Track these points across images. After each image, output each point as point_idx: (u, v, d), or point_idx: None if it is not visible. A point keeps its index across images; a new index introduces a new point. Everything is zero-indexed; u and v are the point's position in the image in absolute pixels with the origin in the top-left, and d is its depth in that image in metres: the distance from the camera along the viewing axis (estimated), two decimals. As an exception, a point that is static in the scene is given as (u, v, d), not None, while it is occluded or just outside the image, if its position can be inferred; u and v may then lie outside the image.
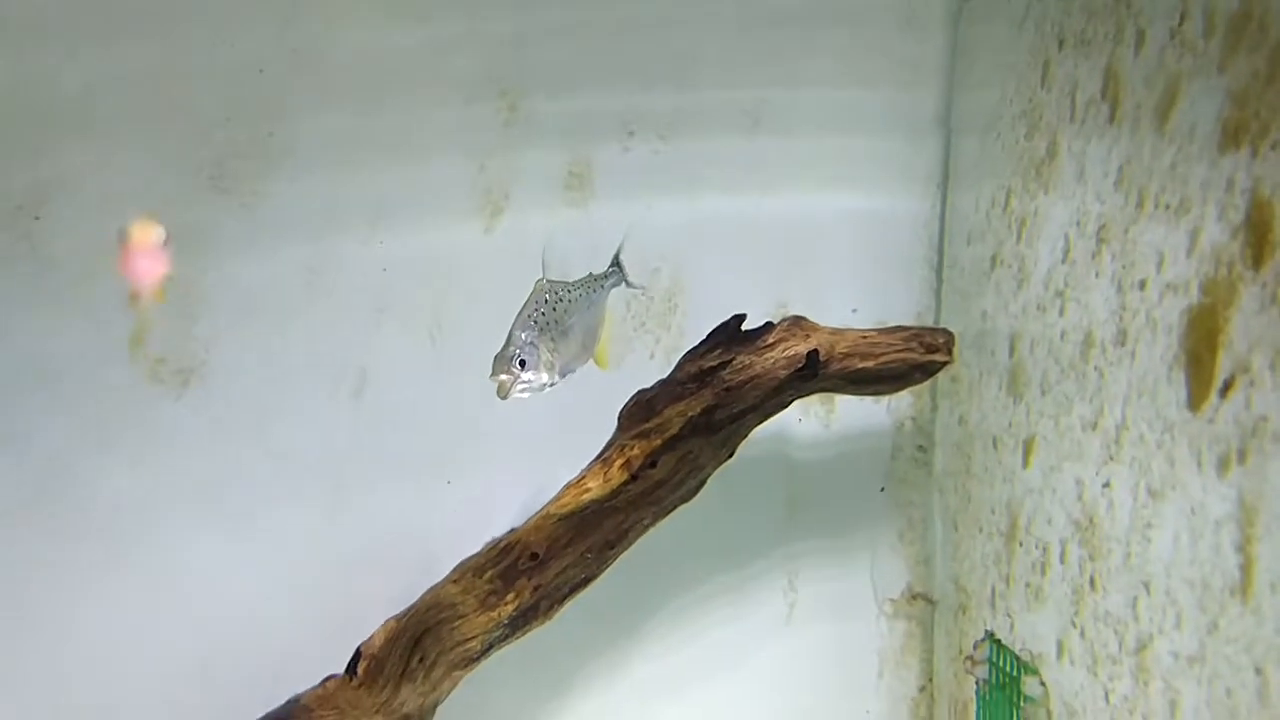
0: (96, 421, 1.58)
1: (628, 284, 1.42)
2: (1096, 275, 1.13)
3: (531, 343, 1.21)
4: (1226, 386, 0.89)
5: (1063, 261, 1.22)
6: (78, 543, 1.58)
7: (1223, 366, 0.89)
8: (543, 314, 1.26)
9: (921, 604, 1.74)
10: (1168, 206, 0.98)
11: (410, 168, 1.67)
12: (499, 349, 1.22)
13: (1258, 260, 0.85)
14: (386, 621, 1.47)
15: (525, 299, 1.27)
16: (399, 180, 1.66)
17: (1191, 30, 0.96)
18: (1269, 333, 0.83)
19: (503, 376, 1.20)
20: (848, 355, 1.55)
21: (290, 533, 1.64)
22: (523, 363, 1.21)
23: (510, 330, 1.23)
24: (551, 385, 1.25)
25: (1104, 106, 1.13)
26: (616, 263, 1.42)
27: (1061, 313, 1.22)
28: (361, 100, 1.64)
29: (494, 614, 1.47)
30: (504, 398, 1.21)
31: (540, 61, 1.68)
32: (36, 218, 1.55)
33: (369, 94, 1.64)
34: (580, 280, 1.36)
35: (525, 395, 1.22)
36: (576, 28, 1.68)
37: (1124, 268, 1.07)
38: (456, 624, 1.46)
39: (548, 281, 1.29)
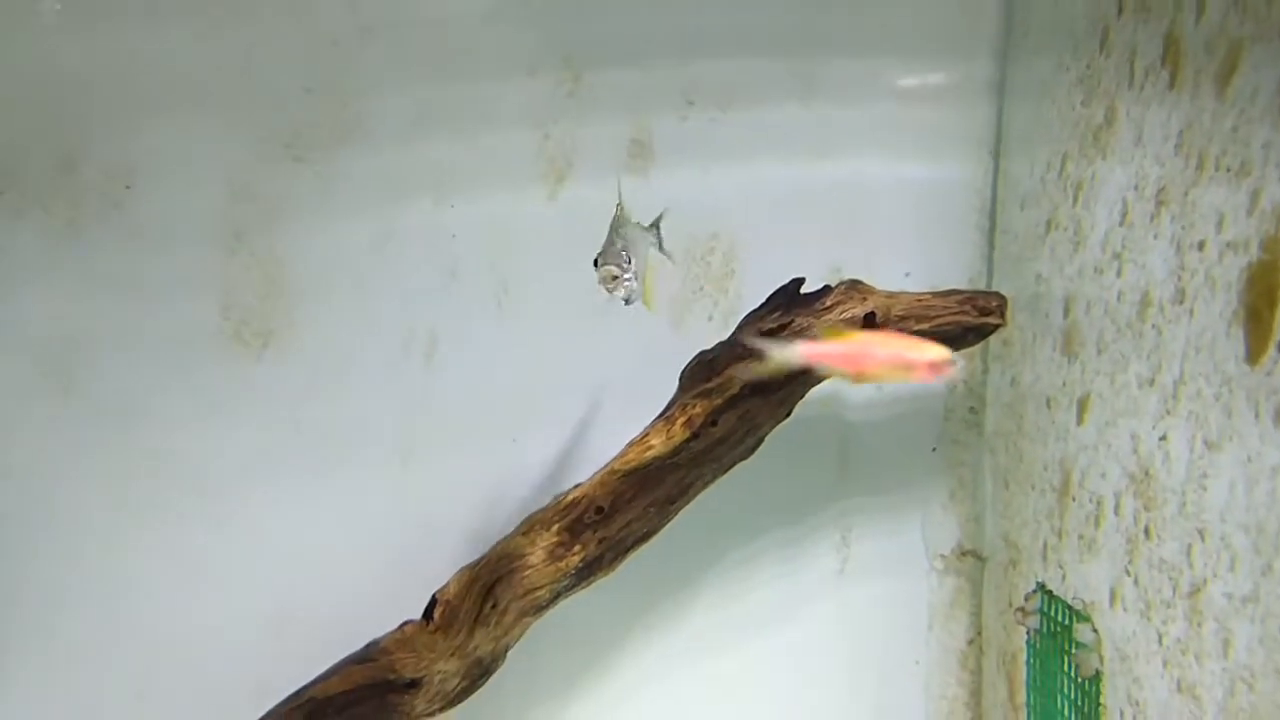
0: (182, 382, 1.66)
1: (660, 249, 1.49)
2: (1155, 237, 1.17)
3: (627, 251, 1.34)
4: (1285, 341, 0.93)
5: (1120, 224, 1.26)
6: (162, 496, 1.66)
7: (1281, 321, 0.93)
8: (626, 236, 1.37)
9: (971, 560, 1.79)
10: (1228, 169, 1.02)
11: (476, 137, 1.72)
12: (601, 251, 1.33)
13: (1319, 218, 0.89)
14: (460, 570, 1.54)
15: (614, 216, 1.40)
16: (466, 149, 1.72)
17: (1255, -5, 0.99)
18: (1328, 287, 0.87)
19: (613, 268, 1.31)
20: (903, 318, 1.59)
21: (365, 488, 1.71)
22: (629, 261, 1.33)
23: (605, 242, 1.36)
24: (629, 300, 1.35)
25: (1164, 73, 1.16)
26: (656, 226, 1.48)
27: (1119, 274, 1.26)
28: (430, 72, 1.69)
29: (561, 565, 1.54)
30: (612, 289, 1.32)
31: (602, 33, 1.73)
32: (128, 186, 1.62)
33: (437, 66, 1.69)
34: (636, 223, 1.44)
35: (623, 293, 1.33)
36: (637, 0, 1.72)
37: (1183, 229, 1.11)
38: (526, 573, 1.53)
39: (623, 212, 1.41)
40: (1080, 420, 1.36)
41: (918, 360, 1.04)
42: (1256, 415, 0.96)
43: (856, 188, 1.79)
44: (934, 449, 1.82)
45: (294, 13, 1.64)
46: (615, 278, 1.32)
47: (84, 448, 1.63)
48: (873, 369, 1.07)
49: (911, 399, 1.81)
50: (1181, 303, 1.10)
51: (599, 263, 1.32)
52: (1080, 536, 1.35)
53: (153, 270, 1.64)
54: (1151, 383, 1.17)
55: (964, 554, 1.79)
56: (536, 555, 1.54)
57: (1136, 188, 1.22)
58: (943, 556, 1.80)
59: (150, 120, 1.61)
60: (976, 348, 1.72)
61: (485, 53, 1.71)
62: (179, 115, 1.63)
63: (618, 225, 1.37)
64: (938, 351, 1.02)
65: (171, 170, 1.63)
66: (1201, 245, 1.07)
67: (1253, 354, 0.98)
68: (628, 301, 1.35)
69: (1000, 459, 1.69)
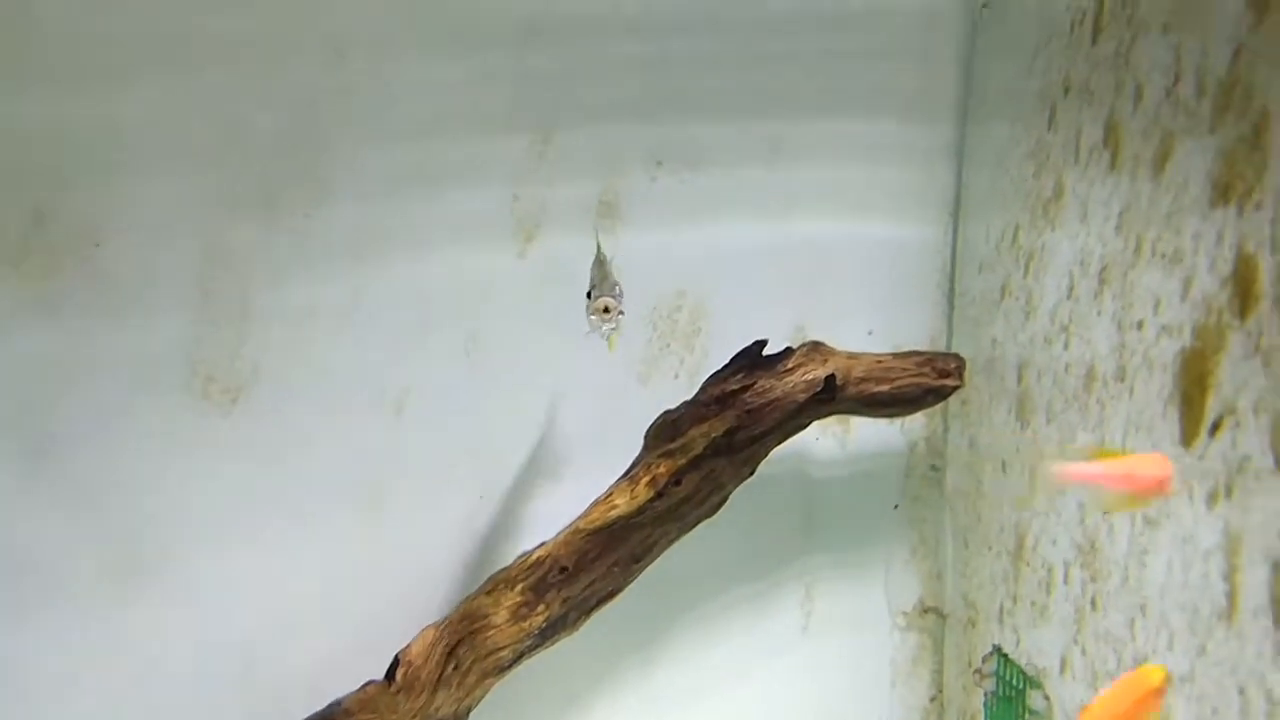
0: (149, 438, 1.65)
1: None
2: (1099, 314, 1.20)
3: (619, 286, 1.38)
4: (1215, 426, 0.95)
5: (1067, 298, 1.29)
6: (127, 555, 1.66)
7: (1212, 407, 0.96)
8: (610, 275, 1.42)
9: (933, 617, 1.81)
10: (1163, 255, 1.05)
11: (449, 195, 1.74)
12: (591, 283, 1.39)
13: (1243, 311, 0.92)
14: (424, 630, 1.54)
15: (596, 259, 1.46)
16: (438, 208, 1.74)
17: (1185, 90, 1.03)
18: (1253, 379, 0.90)
19: (608, 300, 1.35)
20: (863, 379, 1.62)
21: (333, 545, 1.71)
22: (620, 297, 1.37)
23: (593, 272, 1.41)
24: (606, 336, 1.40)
25: (1105, 154, 1.20)
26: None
27: (1066, 346, 1.29)
28: (404, 132, 1.71)
29: (525, 625, 1.54)
30: (605, 324, 1.36)
31: (572, 95, 1.76)
32: (97, 245, 1.63)
33: (412, 126, 1.72)
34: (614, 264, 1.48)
35: (611, 326, 1.37)
36: (608, 64, 1.76)
37: (1123, 308, 1.14)
38: (490, 634, 1.53)
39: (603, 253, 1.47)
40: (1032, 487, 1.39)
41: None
42: (1190, 497, 0.99)
43: (821, 247, 1.82)
44: (896, 506, 1.84)
45: (271, 71, 1.66)
46: (609, 310, 1.34)
47: (52, 506, 1.63)
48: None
49: (875, 455, 1.84)
50: (1123, 380, 1.13)
51: (592, 295, 1.35)
52: (1033, 602, 1.37)
53: (122, 327, 1.64)
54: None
55: (926, 611, 1.81)
56: (500, 615, 1.55)
57: (1082, 263, 1.25)
58: (905, 614, 1.82)
59: (121, 176, 1.62)
60: (938, 407, 1.75)
61: (459, 114, 1.74)
62: (151, 172, 1.63)
63: (602, 264, 1.41)
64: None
65: (142, 227, 1.63)
66: (1140, 325, 1.10)
67: (1187, 436, 1.00)
68: (603, 336, 1.38)
69: (960, 518, 1.71)
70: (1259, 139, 0.90)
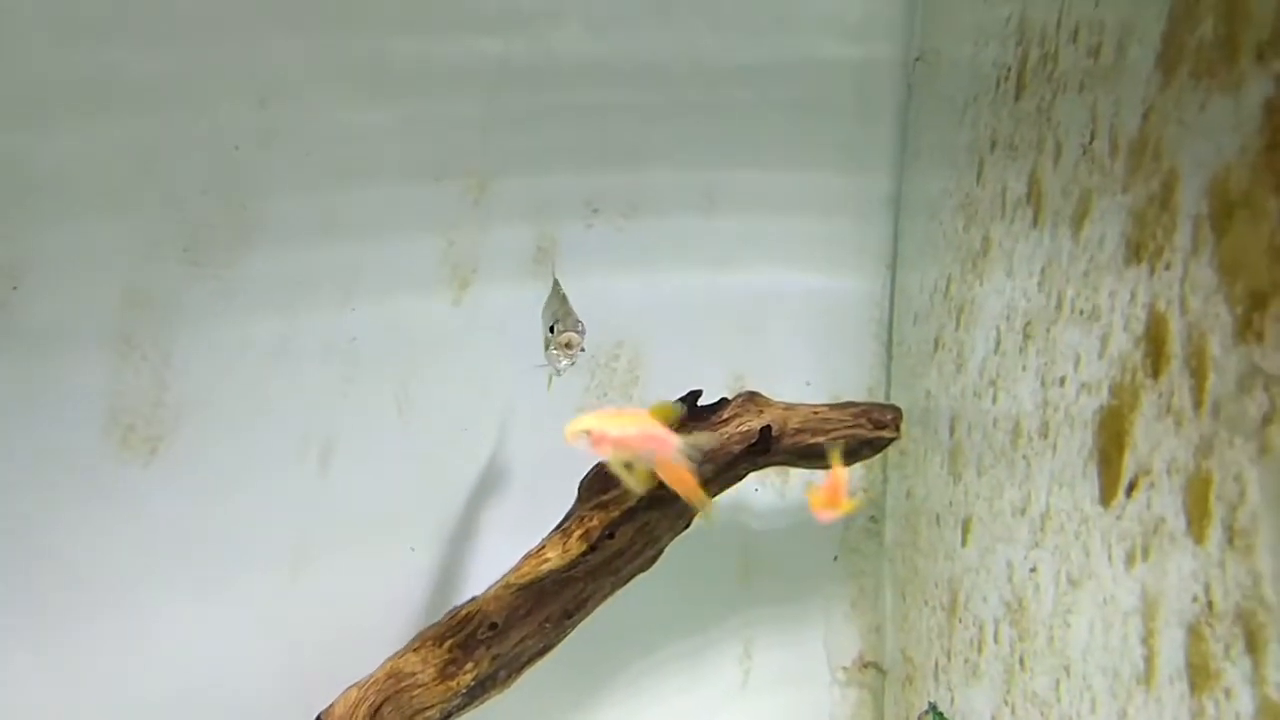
0: (65, 487, 1.60)
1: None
2: (1023, 369, 1.19)
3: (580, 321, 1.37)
4: (1132, 486, 0.95)
5: (995, 352, 1.29)
6: (43, 607, 1.60)
7: (1128, 467, 0.95)
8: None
9: (873, 672, 1.78)
10: (1082, 312, 1.05)
11: (380, 242, 1.72)
12: (554, 318, 1.37)
13: (1156, 370, 0.91)
14: (347, 690, 1.49)
15: (554, 292, 1.46)
16: (369, 254, 1.71)
17: (1100, 149, 1.04)
18: (1166, 439, 0.89)
19: (574, 335, 1.33)
20: (799, 431, 1.60)
21: (254, 600, 1.66)
22: (582, 331, 1.36)
23: (555, 307, 1.40)
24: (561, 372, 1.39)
25: (1029, 209, 1.21)
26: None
27: (994, 400, 1.28)
28: (334, 177, 1.70)
29: (453, 683, 1.50)
30: (569, 357, 1.35)
31: (508, 143, 1.75)
32: (14, 288, 1.58)
33: (341, 171, 1.70)
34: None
35: (570, 361, 1.35)
36: (543, 112, 1.75)
37: (1046, 364, 1.14)
38: (416, 693, 1.49)
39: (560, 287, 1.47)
40: (964, 541, 1.37)
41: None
42: (1109, 557, 0.98)
43: (759, 297, 1.82)
44: (835, 558, 1.82)
45: (194, 114, 1.64)
46: (570, 346, 1.33)
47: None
48: None
49: (814, 507, 1.82)
50: (1046, 436, 1.13)
51: (556, 329, 1.33)
52: (966, 660, 1.34)
53: (39, 373, 1.59)
54: (1023, 512, 1.18)
55: (865, 666, 1.78)
56: (427, 673, 1.50)
57: (1008, 318, 1.25)
58: (845, 668, 1.79)
59: (40, 220, 1.58)
60: (876, 457, 1.73)
61: (391, 159, 1.72)
62: (71, 215, 1.60)
63: (564, 299, 1.40)
64: None
65: (61, 272, 1.59)
66: (1063, 381, 1.10)
67: (1105, 495, 0.99)
68: (558, 372, 1.38)
69: (899, 570, 1.69)
70: (1168, 199, 0.91)
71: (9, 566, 1.58)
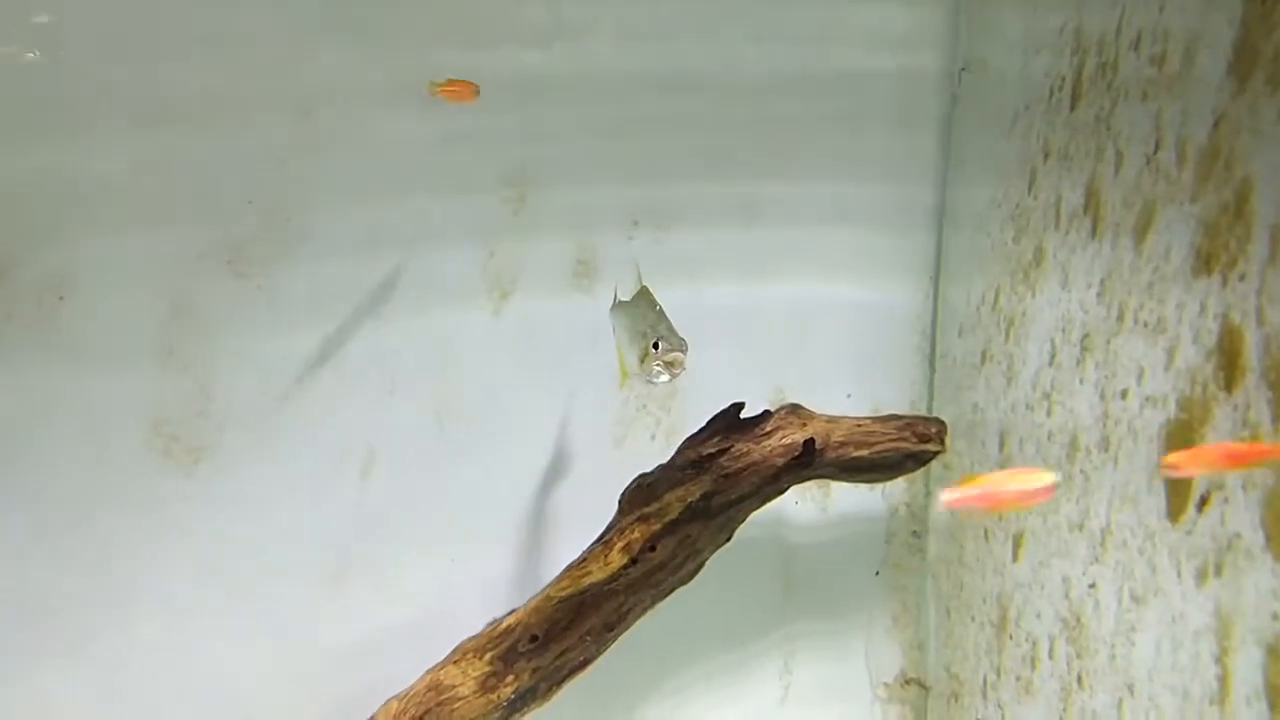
0: (108, 497, 1.61)
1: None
2: (1081, 382, 1.18)
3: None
4: (1203, 501, 0.93)
5: (1049, 364, 1.27)
6: (83, 617, 1.60)
7: (1199, 482, 0.93)
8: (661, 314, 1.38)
9: (915, 689, 1.75)
10: (1146, 324, 1.03)
11: (421, 253, 1.72)
12: (656, 333, 1.32)
13: (1229, 383, 0.89)
14: (388, 702, 1.49)
15: (644, 298, 1.41)
16: (411, 265, 1.72)
17: (1165, 158, 1.02)
18: (1241, 453, 0.87)
19: (680, 354, 1.30)
20: (843, 444, 1.59)
21: (294, 611, 1.66)
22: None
23: (649, 318, 1.36)
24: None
25: (1086, 220, 1.19)
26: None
27: (1049, 414, 1.26)
28: (376, 189, 1.70)
29: (493, 696, 1.49)
30: (675, 376, 1.31)
31: (549, 154, 1.75)
32: (61, 298, 1.59)
33: (384, 183, 1.70)
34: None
35: (671, 376, 1.32)
36: (583, 123, 1.75)
37: (1107, 377, 1.12)
38: (456, 706, 1.48)
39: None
40: (1015, 557, 1.35)
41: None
42: (1179, 574, 0.96)
43: (799, 309, 1.80)
44: (877, 572, 1.80)
45: (240, 126, 1.65)
46: (677, 365, 1.30)
47: (5, 561, 1.57)
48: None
49: (855, 520, 1.80)
50: (1107, 450, 1.11)
51: (660, 346, 1.30)
52: (1018, 677, 1.32)
53: (84, 383, 1.60)
54: (1081, 528, 1.16)
55: (908, 683, 1.76)
56: (467, 686, 1.50)
57: (1064, 330, 1.23)
58: (886, 685, 1.77)
59: (86, 231, 1.59)
60: (919, 471, 1.71)
61: (432, 171, 1.72)
62: (117, 226, 1.61)
63: (661, 312, 1.37)
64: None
65: (107, 282, 1.60)
66: (1124, 395, 1.08)
67: (1173, 511, 0.97)
68: (652, 384, 1.35)
69: (943, 586, 1.67)
70: (1241, 208, 0.89)
71: (49, 576, 1.58)
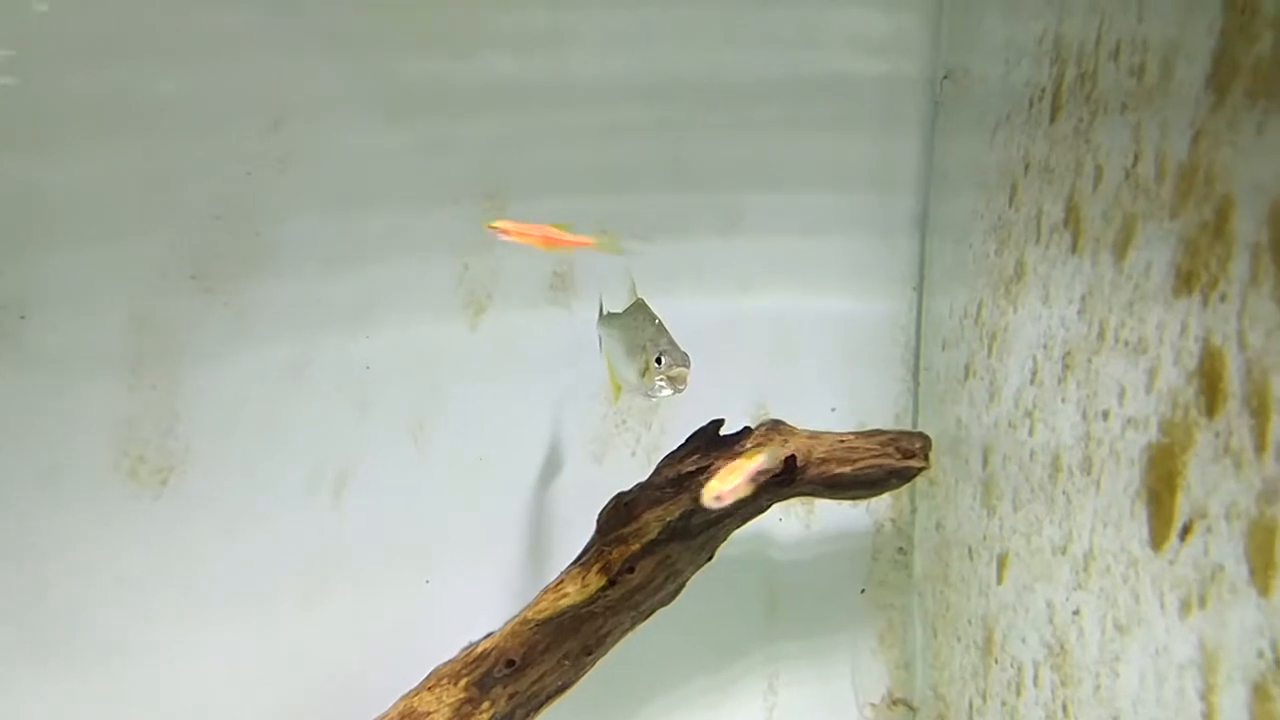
0: (73, 520, 1.57)
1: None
2: (1063, 400, 1.14)
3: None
4: (1186, 530, 0.89)
5: (1031, 382, 1.23)
6: (50, 642, 1.56)
7: (1182, 509, 0.90)
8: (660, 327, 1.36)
9: (902, 710, 1.72)
10: (1127, 343, 1.00)
11: (395, 267, 1.69)
12: (658, 348, 1.30)
13: (1211, 408, 0.86)
14: (358, 730, 1.45)
15: (640, 311, 1.39)
16: (383, 279, 1.68)
17: (1145, 173, 0.99)
18: (1224, 482, 0.84)
19: (686, 370, 1.28)
20: (825, 460, 1.56)
21: (266, 635, 1.62)
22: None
23: (648, 331, 1.33)
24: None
25: (1067, 234, 1.15)
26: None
27: (1031, 432, 1.23)
28: (347, 201, 1.67)
29: (468, 723, 1.45)
30: (673, 389, 1.29)
31: (525, 164, 1.72)
32: (22, 317, 1.56)
33: (355, 195, 1.67)
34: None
35: (675, 390, 1.30)
36: (560, 132, 1.72)
37: (1088, 396, 1.08)
38: (430, 733, 1.45)
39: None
40: (1000, 578, 1.32)
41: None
42: (1162, 605, 0.92)
43: (782, 322, 1.77)
44: (863, 590, 1.76)
45: (205, 137, 1.61)
46: (682, 381, 1.28)
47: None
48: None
49: (840, 537, 1.76)
50: (1089, 473, 1.07)
51: (664, 360, 1.27)
52: (1003, 703, 1.29)
53: (47, 403, 1.57)
54: (1064, 551, 1.13)
55: (895, 703, 1.72)
56: (442, 713, 1.46)
57: (1045, 347, 1.20)
58: (873, 705, 1.73)
59: (48, 248, 1.56)
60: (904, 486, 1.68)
61: (405, 183, 1.69)
62: (79, 242, 1.57)
63: (661, 325, 1.34)
64: None
65: (70, 300, 1.57)
66: (1106, 415, 1.05)
67: (1156, 539, 0.94)
68: (651, 399, 1.33)
69: (929, 604, 1.63)
70: (1222, 226, 0.86)
71: (15, 601, 1.55)
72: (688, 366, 1.28)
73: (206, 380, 1.61)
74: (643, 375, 1.29)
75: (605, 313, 1.52)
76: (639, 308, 1.40)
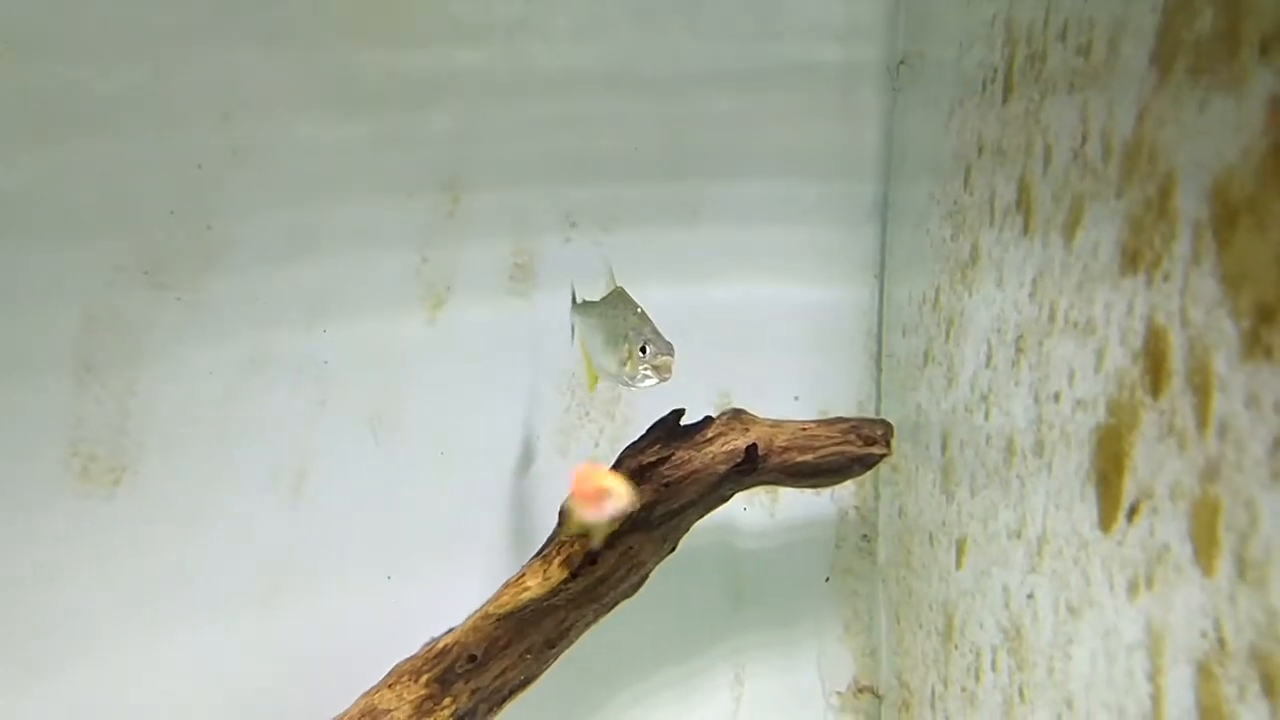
0: (23, 523, 1.54)
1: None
2: (1016, 384, 1.14)
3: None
4: (1133, 511, 0.89)
5: (986, 366, 1.23)
6: (1, 649, 1.54)
7: (1129, 490, 0.89)
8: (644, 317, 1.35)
9: (868, 697, 1.72)
10: (1076, 324, 0.99)
11: (351, 260, 1.66)
12: (641, 337, 1.29)
13: (1156, 388, 0.85)
14: (318, 729, 1.43)
15: (620, 300, 1.38)
16: (340, 272, 1.66)
17: (1092, 152, 0.98)
18: (1169, 461, 0.83)
19: (670, 359, 1.28)
20: (786, 449, 1.55)
21: (224, 635, 1.59)
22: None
23: (629, 320, 1.33)
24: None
25: (1019, 217, 1.15)
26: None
27: (987, 416, 1.22)
28: (302, 194, 1.64)
29: None
30: (657, 378, 1.29)
31: (483, 155, 1.70)
32: (-29, 315, 1.52)
33: (310, 188, 1.64)
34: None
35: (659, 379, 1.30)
36: (519, 122, 1.70)
37: (1040, 379, 1.08)
38: (391, 731, 1.43)
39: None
40: (959, 563, 1.31)
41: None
42: (1111, 586, 0.92)
43: (745, 310, 1.76)
44: (828, 579, 1.76)
45: (155, 131, 1.58)
46: (667, 370, 1.28)
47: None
48: None
49: (804, 526, 1.76)
50: (1041, 455, 1.07)
51: (647, 349, 1.27)
52: (963, 688, 1.28)
53: (-5, 402, 1.54)
54: (1019, 535, 1.12)
55: (861, 691, 1.72)
56: (403, 710, 1.44)
57: (999, 331, 1.19)
58: (839, 693, 1.73)
59: (-3, 246, 1.53)
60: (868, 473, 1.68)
61: (361, 175, 1.66)
62: (27, 238, 1.54)
63: (642, 315, 1.34)
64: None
65: (19, 298, 1.53)
66: (1057, 398, 1.04)
67: (1105, 520, 0.94)
68: (634, 389, 1.33)
69: (893, 592, 1.63)
70: (1166, 204, 0.85)
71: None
72: (672, 355, 1.27)
73: (160, 377, 1.59)
74: (625, 364, 1.28)
75: (580, 300, 1.50)
76: (619, 296, 1.39)
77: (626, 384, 1.31)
